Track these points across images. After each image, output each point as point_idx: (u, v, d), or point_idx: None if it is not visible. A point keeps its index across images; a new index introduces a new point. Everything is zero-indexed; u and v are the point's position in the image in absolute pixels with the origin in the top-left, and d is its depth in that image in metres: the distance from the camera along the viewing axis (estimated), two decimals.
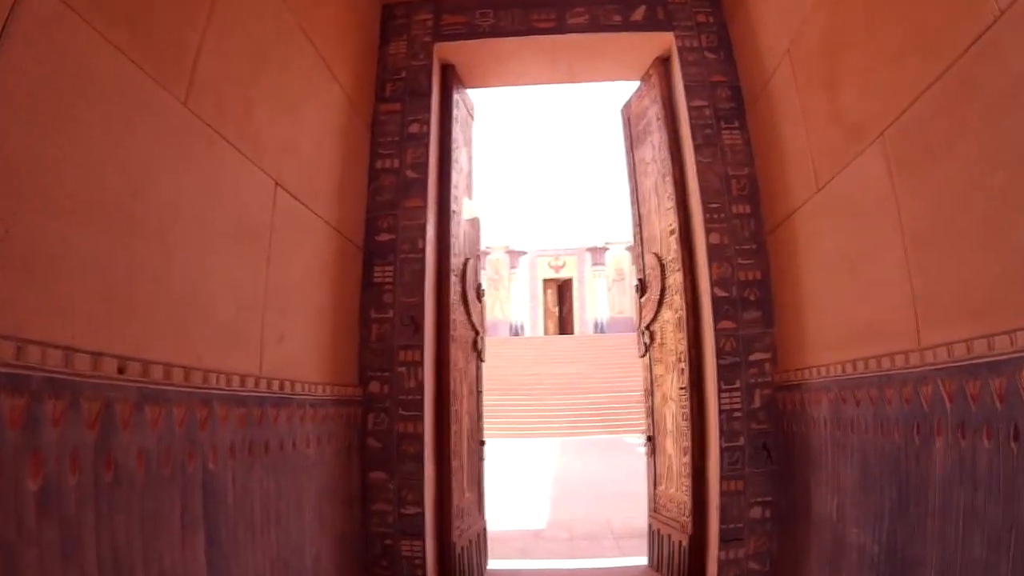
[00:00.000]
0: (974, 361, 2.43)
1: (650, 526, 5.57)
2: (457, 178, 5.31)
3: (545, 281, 42.09)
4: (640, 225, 5.96)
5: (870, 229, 3.23)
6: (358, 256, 4.70)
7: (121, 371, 2.15)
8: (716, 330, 4.58)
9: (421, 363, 4.58)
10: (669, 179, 5.20)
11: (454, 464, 4.82)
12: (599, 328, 39.88)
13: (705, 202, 4.76)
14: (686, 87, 5.01)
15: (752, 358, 4.56)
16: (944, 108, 2.61)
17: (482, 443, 5.64)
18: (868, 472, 3.26)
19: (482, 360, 5.76)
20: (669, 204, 5.20)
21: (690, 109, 4.96)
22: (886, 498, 3.08)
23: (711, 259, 4.67)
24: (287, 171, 3.56)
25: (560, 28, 5.28)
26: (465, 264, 5.37)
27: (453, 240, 5.09)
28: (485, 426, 5.85)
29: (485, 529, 5.55)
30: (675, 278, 5.11)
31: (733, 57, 5.06)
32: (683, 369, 4.92)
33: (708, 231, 4.71)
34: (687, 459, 4.84)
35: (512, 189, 37.38)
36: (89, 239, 2.06)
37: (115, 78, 2.21)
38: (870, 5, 3.17)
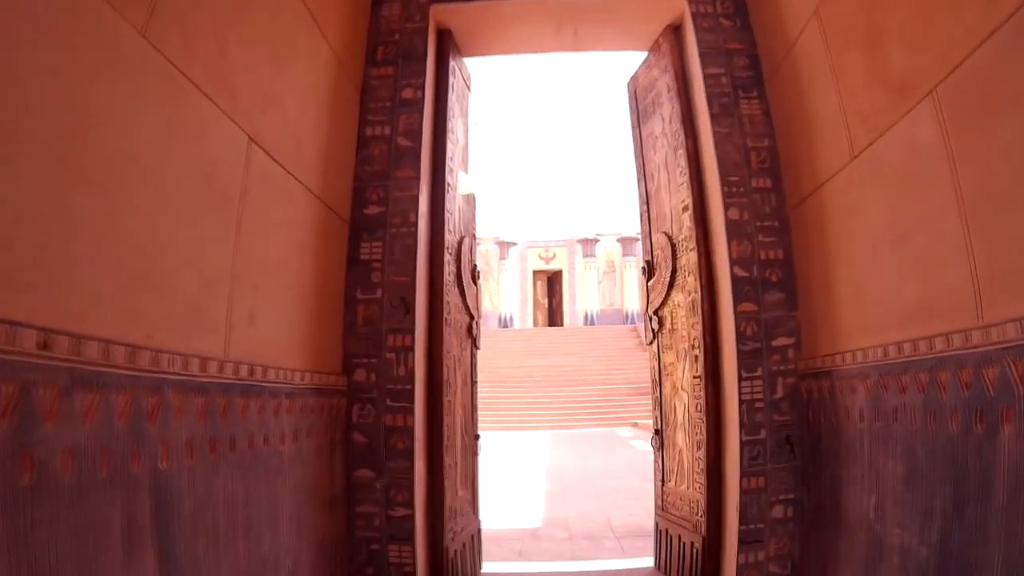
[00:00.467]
0: None
1: (657, 525, 5.20)
2: (453, 149, 4.89)
3: (535, 272, 41.92)
4: (648, 203, 5.57)
5: (920, 197, 2.94)
6: (344, 230, 4.27)
7: (44, 346, 1.72)
8: (736, 313, 4.21)
9: (412, 349, 4.15)
10: (682, 152, 4.82)
11: (447, 461, 4.40)
12: (589, 320, 39.75)
13: (723, 175, 4.39)
14: (701, 54, 4.62)
15: (775, 343, 4.20)
16: (1009, 57, 2.34)
17: (476, 437, 5.23)
18: (916, 467, 2.95)
19: (477, 347, 5.34)
20: (681, 179, 4.83)
21: (706, 77, 4.58)
22: (938, 496, 2.78)
23: (730, 236, 4.30)
24: (265, 128, 3.14)
25: None
26: (460, 242, 4.95)
27: (448, 215, 4.66)
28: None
29: (480, 530, 5.14)
30: (688, 258, 4.72)
31: (750, 24, 4.70)
32: (697, 356, 4.54)
33: (727, 206, 4.34)
34: (701, 454, 4.47)
35: (503, 179, 36.93)
36: (9, 184, 1.66)
37: None
38: None
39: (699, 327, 4.52)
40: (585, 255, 40.87)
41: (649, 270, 5.39)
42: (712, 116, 4.49)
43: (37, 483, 1.67)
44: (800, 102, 4.10)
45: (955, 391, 2.67)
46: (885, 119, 3.17)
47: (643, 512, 7.85)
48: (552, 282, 42.90)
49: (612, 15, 5.13)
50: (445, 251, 4.58)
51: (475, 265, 5.28)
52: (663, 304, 5.14)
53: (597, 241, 40.81)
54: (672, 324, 5.04)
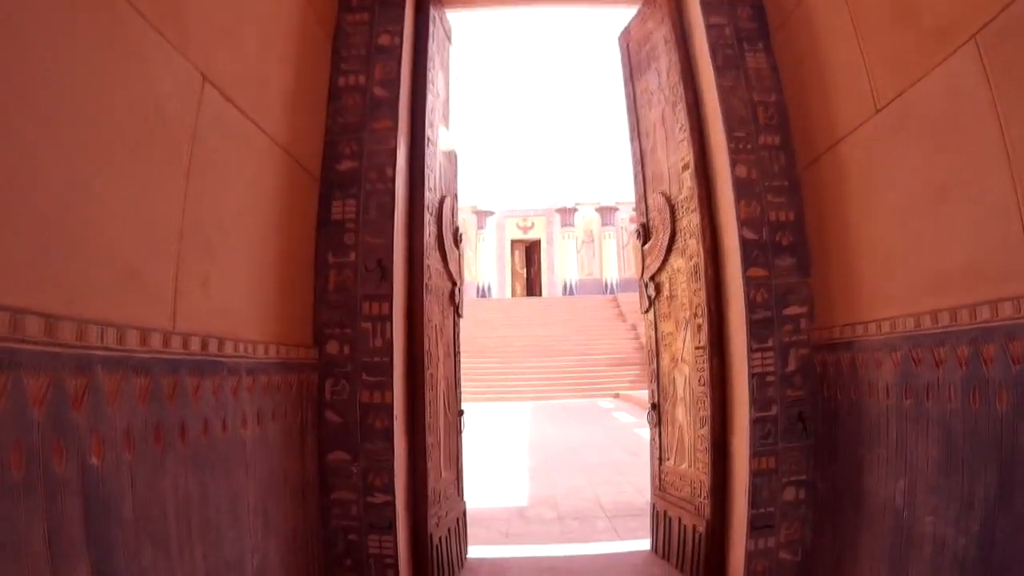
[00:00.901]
0: None
1: (653, 507, 4.90)
2: (433, 102, 4.47)
3: (513, 242, 41.61)
4: (642, 163, 5.21)
5: (961, 150, 2.69)
6: (313, 188, 3.85)
7: None
8: (745, 278, 3.87)
9: (390, 317, 3.73)
10: (681, 107, 4.47)
11: (430, 440, 4.03)
12: (568, 290, 39.55)
13: (729, 130, 4.02)
14: (703, 3, 4.24)
15: (786, 312, 3.88)
16: None
17: (460, 413, 4.87)
18: (953, 450, 2.71)
19: (460, 315, 4.97)
20: (681, 135, 4.48)
21: (708, 27, 4.20)
22: (980, 482, 2.55)
23: (738, 195, 3.95)
24: (221, 66, 2.72)
25: None
26: (441, 202, 4.54)
27: (428, 172, 4.25)
28: None
29: (465, 512, 4.81)
30: (689, 220, 4.37)
31: None
32: (700, 325, 4.22)
33: (734, 163, 3.98)
34: (705, 431, 4.16)
35: (480, 147, 36.46)
36: None
37: None
38: None
39: (702, 294, 4.20)
40: (563, 224, 40.55)
41: (645, 233, 5.04)
42: (716, 68, 4.13)
43: None
44: (813, 54, 3.81)
45: (1003, 366, 2.42)
46: (915, 68, 2.90)
47: (632, 489, 7.62)
48: (530, 252, 42.61)
49: None
50: (425, 210, 4.18)
51: (457, 228, 4.90)
52: (660, 269, 4.80)
53: (575, 211, 40.48)
54: (671, 291, 4.70)
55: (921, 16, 2.85)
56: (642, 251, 5.06)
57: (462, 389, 5.01)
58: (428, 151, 4.28)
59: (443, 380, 4.51)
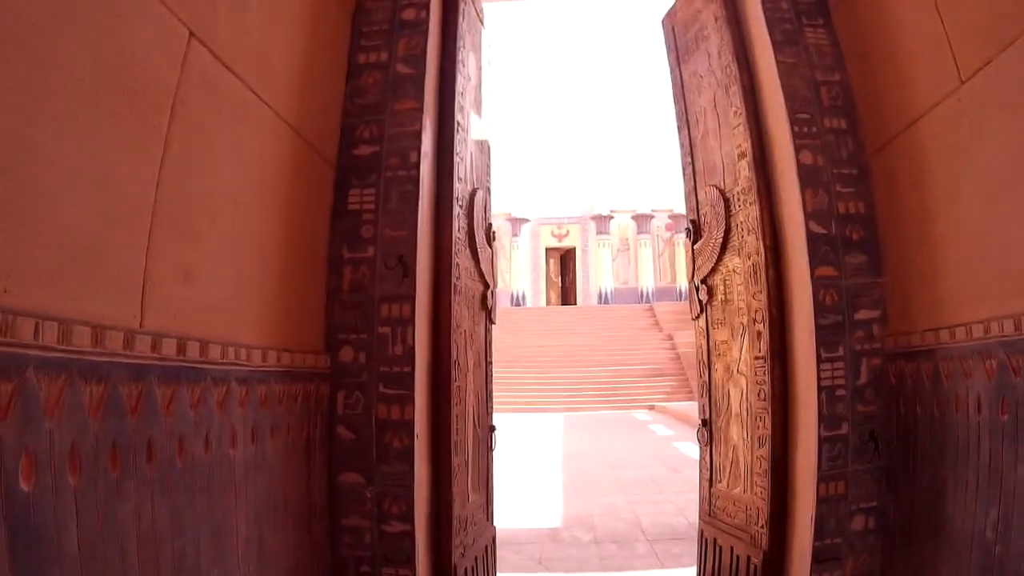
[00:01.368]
0: None
1: (701, 533, 4.44)
2: (464, 85, 4.06)
3: (548, 250, 41.10)
4: (692, 154, 4.76)
5: None
6: (328, 174, 3.45)
7: None
8: (814, 278, 3.42)
9: (412, 321, 3.30)
10: (736, 89, 4.03)
11: (456, 461, 3.59)
12: (603, 299, 38.96)
13: (792, 112, 3.59)
14: None
15: (857, 316, 3.44)
16: None
17: (492, 429, 4.43)
18: None
19: (492, 321, 4.54)
20: (736, 121, 4.05)
21: (764, 1, 3.79)
22: None
23: (804, 185, 3.51)
24: (214, 24, 2.36)
25: None
26: (473, 195, 4.12)
27: (457, 160, 3.83)
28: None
29: (494, 539, 4.37)
30: (747, 214, 3.93)
31: None
32: (760, 332, 3.77)
33: (798, 148, 3.55)
34: (764, 451, 3.70)
35: (513, 152, 35.97)
36: None
37: None
38: None
39: (763, 297, 3.74)
40: (599, 232, 39.95)
41: (695, 231, 4.60)
42: (775, 44, 3.72)
43: None
44: (881, 26, 3.45)
45: None
46: (1010, 28, 2.52)
47: (672, 508, 7.17)
48: (565, 260, 42.10)
49: None
50: (454, 202, 3.75)
51: (490, 224, 4.47)
52: (713, 271, 4.34)
53: (611, 218, 39.89)
54: (725, 294, 4.24)
55: None
56: (692, 250, 4.61)
57: (494, 399, 4.59)
58: (458, 137, 3.86)
59: (472, 393, 4.08)
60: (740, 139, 4.00)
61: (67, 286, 1.66)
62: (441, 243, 3.68)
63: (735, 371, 4.10)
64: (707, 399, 4.47)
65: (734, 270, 4.12)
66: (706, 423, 4.44)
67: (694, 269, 4.58)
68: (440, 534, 3.47)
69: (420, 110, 3.54)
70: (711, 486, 4.37)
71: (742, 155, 3.98)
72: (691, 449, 12.67)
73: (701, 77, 4.62)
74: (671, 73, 5.10)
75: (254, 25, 2.70)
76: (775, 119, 3.77)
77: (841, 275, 3.43)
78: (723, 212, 4.17)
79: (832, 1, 3.79)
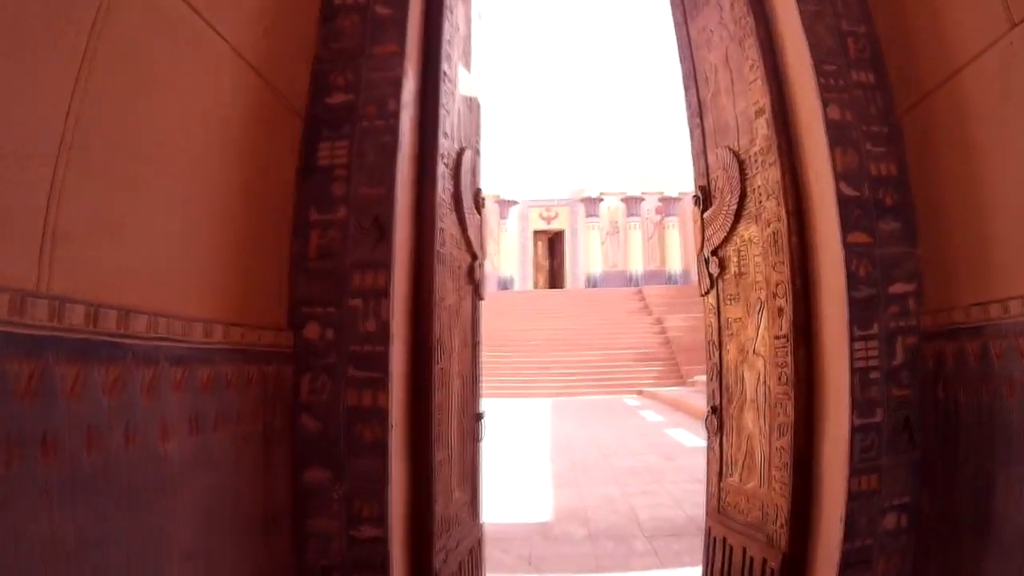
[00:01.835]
0: None
1: (709, 531, 4.06)
2: (451, 33, 3.62)
3: (536, 233, 40.77)
4: (701, 114, 4.36)
5: None
6: (296, 126, 3.01)
7: None
8: (846, 245, 3.03)
9: (387, 292, 2.85)
10: (751, 42, 3.63)
11: (438, 456, 3.17)
12: (592, 283, 38.71)
13: (817, 63, 3.20)
14: None
15: (892, 290, 3.06)
16: None
17: (479, 417, 4.02)
18: None
19: (481, 297, 4.12)
20: (752, 76, 3.64)
21: None
22: None
23: (833, 142, 3.11)
24: None
25: None
26: (460, 155, 3.68)
27: (443, 114, 3.39)
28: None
29: (481, 539, 3.96)
30: (766, 176, 3.53)
31: None
32: (782, 308, 3.37)
33: (825, 102, 3.15)
34: (784, 442, 3.32)
35: (503, 135, 35.37)
36: None
37: None
38: None
39: (785, 268, 3.35)
40: (588, 215, 39.61)
41: (705, 198, 4.19)
42: None
43: None
44: None
45: None
46: None
47: (670, 500, 6.84)
48: (553, 243, 41.76)
49: None
50: (439, 159, 3.30)
51: (479, 189, 4.03)
52: (726, 241, 3.94)
53: (601, 200, 39.53)
54: (740, 267, 3.85)
55: None
56: (701, 219, 4.20)
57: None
58: (444, 88, 3.42)
59: (457, 377, 3.65)
60: (757, 95, 3.60)
61: None
62: (423, 204, 3.24)
63: (751, 352, 3.71)
64: (717, 383, 4.08)
65: (750, 240, 3.72)
66: (716, 410, 4.05)
67: (703, 240, 4.18)
68: (419, 539, 3.04)
69: (401, 55, 3.10)
70: (721, 480, 3.98)
71: (759, 112, 3.59)
72: (684, 436, 12.38)
73: (711, 32, 4.22)
74: (676, 31, 4.70)
75: None
76: (798, 71, 3.38)
77: (875, 243, 3.06)
78: (737, 176, 3.78)
79: None
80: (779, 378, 3.38)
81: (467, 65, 4.03)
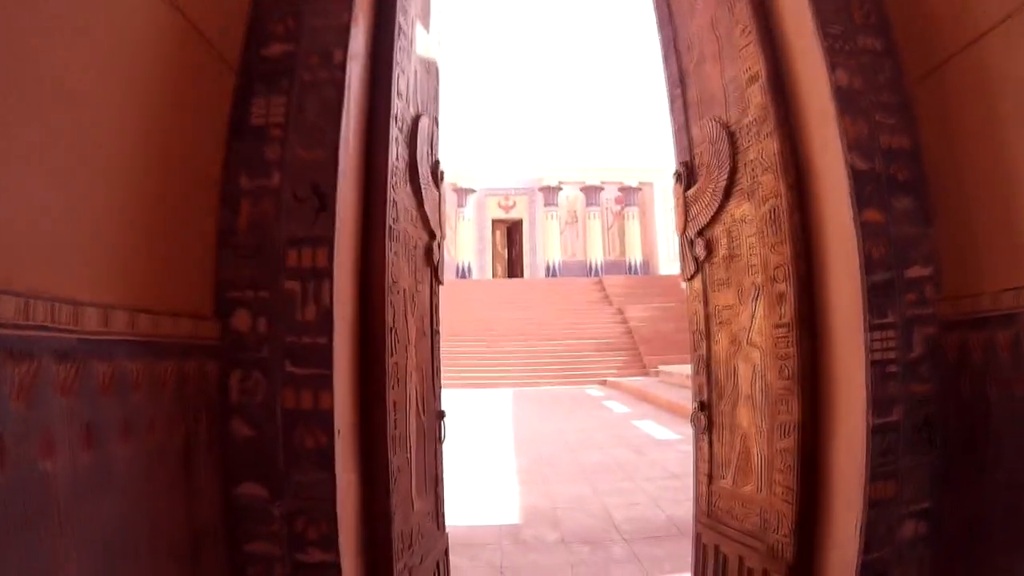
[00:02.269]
0: None
1: (698, 538, 3.72)
2: None
3: (494, 222, 40.31)
4: (683, 84, 4.00)
5: None
6: (227, 80, 2.55)
7: None
8: (859, 223, 2.68)
9: (329, 272, 2.40)
10: (743, 5, 3.29)
11: (395, 462, 2.73)
12: (551, 272, 38.40)
13: (822, 24, 2.85)
14: None
15: (909, 274, 2.73)
16: None
17: (440, 416, 3.59)
18: None
19: (440, 280, 3.69)
20: (744, 41, 3.30)
21: None
22: None
23: (841, 109, 2.77)
24: None
25: None
26: (417, 121, 3.25)
27: (398, 72, 2.95)
28: None
29: (447, 550, 3.55)
30: (760, 149, 3.18)
31: None
32: (783, 294, 3.03)
33: (832, 66, 2.81)
34: (788, 443, 2.98)
35: (460, 121, 34.68)
36: None
37: None
38: None
39: (785, 249, 3.00)
40: (547, 204, 39.24)
41: (688, 174, 3.82)
42: None
43: None
44: None
45: None
46: None
47: (645, 498, 6.50)
48: (512, 232, 41.36)
49: None
50: (392, 122, 2.84)
51: (438, 161, 3.59)
52: (714, 220, 3.57)
53: (559, 189, 39.17)
54: (730, 249, 3.47)
55: None
56: (684, 198, 3.82)
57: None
58: (399, 44, 2.98)
59: (415, 371, 3.22)
60: (750, 61, 3.25)
61: None
62: (374, 172, 2.78)
63: (745, 342, 3.34)
64: (705, 377, 3.70)
65: (742, 219, 3.35)
66: (704, 406, 3.67)
67: (686, 220, 3.80)
68: (376, 559, 2.60)
69: (350, 2, 2.66)
70: (711, 482, 3.61)
71: (753, 79, 3.23)
72: (653, 428, 12.06)
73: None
74: None
75: None
76: (798, 33, 3.05)
77: (888, 221, 2.71)
78: (727, 149, 3.41)
79: None
80: (780, 372, 3.02)
81: (426, 24, 3.60)
